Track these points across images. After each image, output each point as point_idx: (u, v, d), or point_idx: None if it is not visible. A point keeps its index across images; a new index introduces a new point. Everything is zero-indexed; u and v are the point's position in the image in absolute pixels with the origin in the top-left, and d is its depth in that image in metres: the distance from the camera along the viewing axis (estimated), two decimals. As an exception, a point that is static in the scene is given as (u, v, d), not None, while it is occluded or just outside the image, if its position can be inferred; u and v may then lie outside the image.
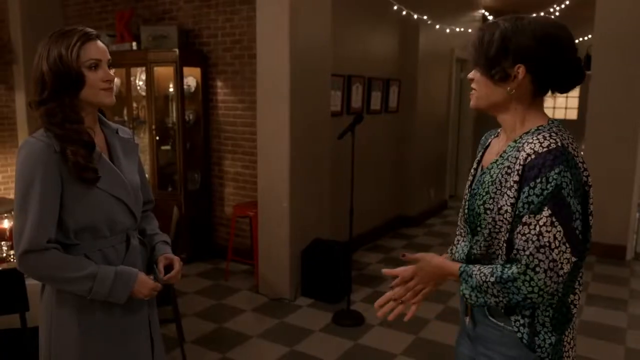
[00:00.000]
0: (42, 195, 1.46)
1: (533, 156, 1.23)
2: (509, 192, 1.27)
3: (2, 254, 2.73)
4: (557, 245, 1.19)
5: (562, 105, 9.22)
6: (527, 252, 1.21)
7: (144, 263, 1.73)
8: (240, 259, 4.71)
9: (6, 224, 2.83)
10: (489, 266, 1.31)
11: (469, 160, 8.14)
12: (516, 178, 1.25)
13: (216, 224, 5.14)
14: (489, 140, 1.52)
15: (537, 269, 1.20)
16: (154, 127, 4.83)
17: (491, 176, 1.34)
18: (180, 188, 4.86)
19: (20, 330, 2.20)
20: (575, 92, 9.03)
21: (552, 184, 1.20)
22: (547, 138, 1.24)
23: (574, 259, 1.22)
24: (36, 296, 2.23)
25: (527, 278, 1.21)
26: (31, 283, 2.26)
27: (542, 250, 1.20)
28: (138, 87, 5.02)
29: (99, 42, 1.56)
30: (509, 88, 1.31)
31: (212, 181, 5.10)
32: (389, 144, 5.96)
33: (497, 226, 1.31)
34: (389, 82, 5.74)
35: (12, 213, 2.61)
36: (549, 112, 1.40)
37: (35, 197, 1.45)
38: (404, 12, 5.42)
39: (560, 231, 1.20)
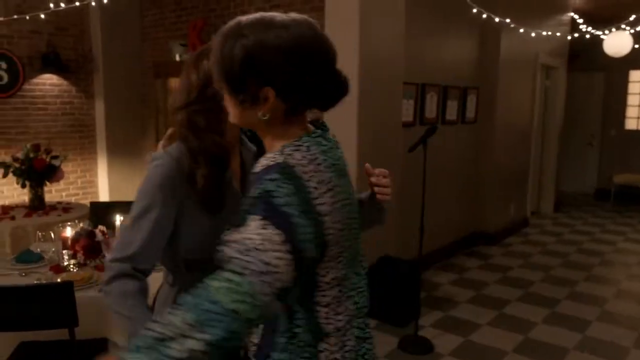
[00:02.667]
0: (153, 225, 1.36)
1: (251, 178, 1.12)
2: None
3: (63, 262, 2.72)
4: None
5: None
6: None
7: None
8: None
9: (69, 232, 2.81)
10: None
11: (553, 173, 7.57)
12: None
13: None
14: None
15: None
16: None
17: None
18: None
19: (69, 342, 2.15)
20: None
21: (261, 188, 1.03)
22: (269, 158, 1.09)
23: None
24: (86, 309, 2.19)
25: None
26: (80, 296, 2.21)
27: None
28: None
29: None
30: (260, 113, 1.10)
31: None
32: (466, 156, 5.60)
33: None
34: (466, 90, 5.40)
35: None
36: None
37: (145, 225, 1.36)
38: (484, 15, 5.08)
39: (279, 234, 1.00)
